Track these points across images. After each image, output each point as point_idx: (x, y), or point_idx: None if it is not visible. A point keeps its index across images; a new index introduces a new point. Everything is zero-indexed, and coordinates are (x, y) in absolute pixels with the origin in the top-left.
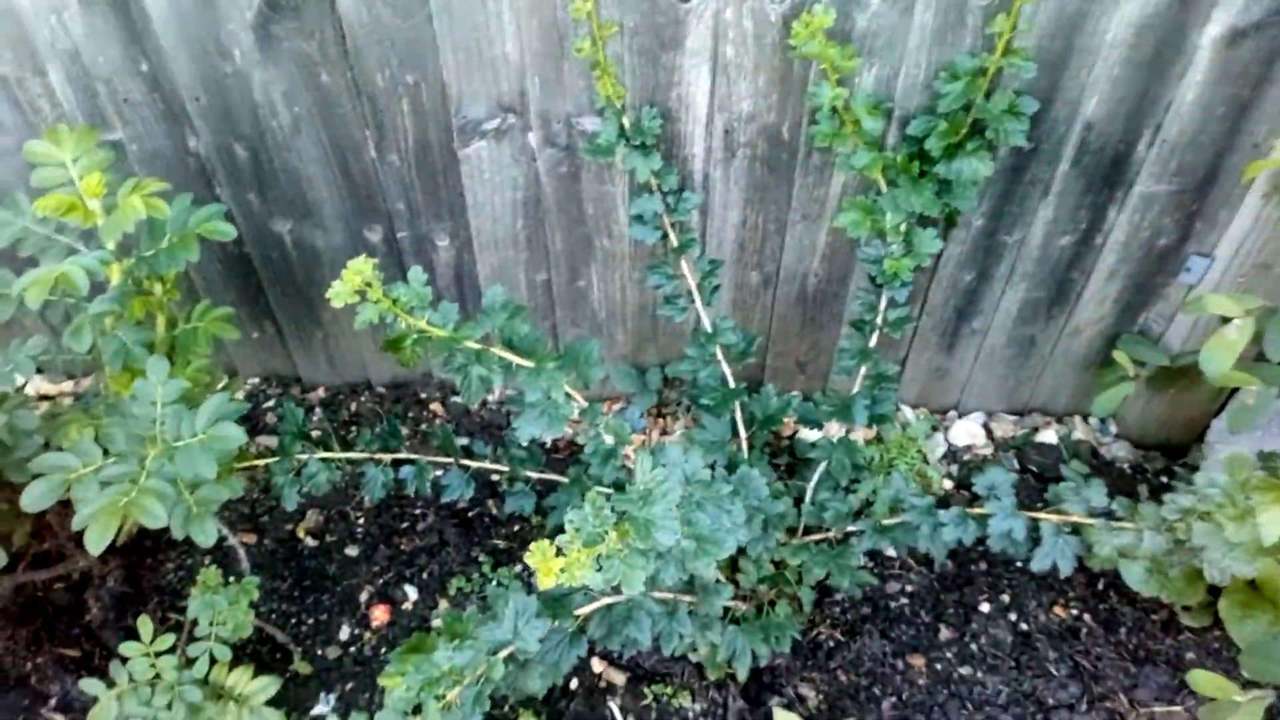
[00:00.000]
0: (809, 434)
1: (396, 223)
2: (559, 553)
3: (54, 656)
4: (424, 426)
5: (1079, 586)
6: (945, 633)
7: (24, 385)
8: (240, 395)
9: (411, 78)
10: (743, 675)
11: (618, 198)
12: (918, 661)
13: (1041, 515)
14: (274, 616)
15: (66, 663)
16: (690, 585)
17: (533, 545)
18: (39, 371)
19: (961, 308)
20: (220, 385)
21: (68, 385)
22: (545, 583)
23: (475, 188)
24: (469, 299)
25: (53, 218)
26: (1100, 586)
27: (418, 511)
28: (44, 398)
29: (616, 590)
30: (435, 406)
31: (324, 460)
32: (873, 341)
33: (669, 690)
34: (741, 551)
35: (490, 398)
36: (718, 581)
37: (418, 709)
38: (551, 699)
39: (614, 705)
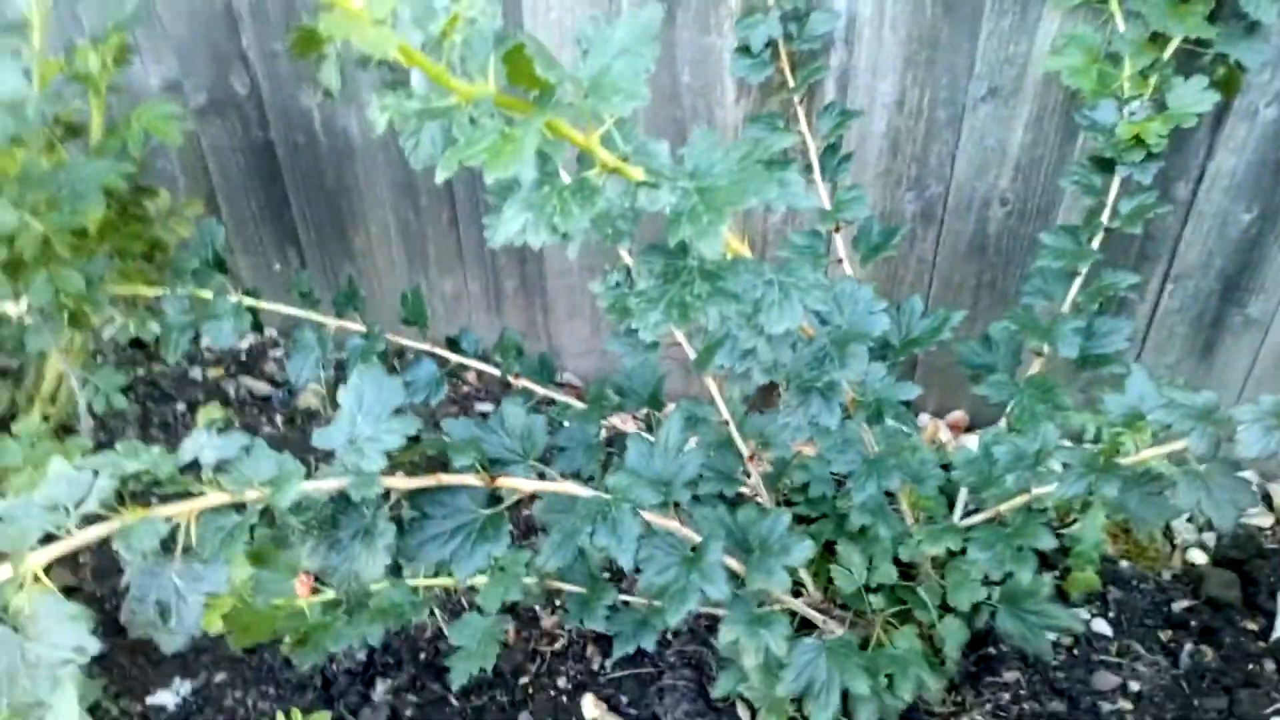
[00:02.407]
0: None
1: None
2: None
3: None
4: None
5: None
6: None
7: None
8: None
9: None
10: None
11: (724, 59)
12: None
13: None
14: None
15: None
16: (745, 544)
17: None
18: None
19: (1231, 276)
20: None
21: None
22: None
23: (533, 27)
24: None
25: None
26: None
27: None
28: None
29: None
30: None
31: (237, 304)
32: (1096, 242)
33: None
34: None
35: None
36: (788, 531)
37: None
38: None
39: None
